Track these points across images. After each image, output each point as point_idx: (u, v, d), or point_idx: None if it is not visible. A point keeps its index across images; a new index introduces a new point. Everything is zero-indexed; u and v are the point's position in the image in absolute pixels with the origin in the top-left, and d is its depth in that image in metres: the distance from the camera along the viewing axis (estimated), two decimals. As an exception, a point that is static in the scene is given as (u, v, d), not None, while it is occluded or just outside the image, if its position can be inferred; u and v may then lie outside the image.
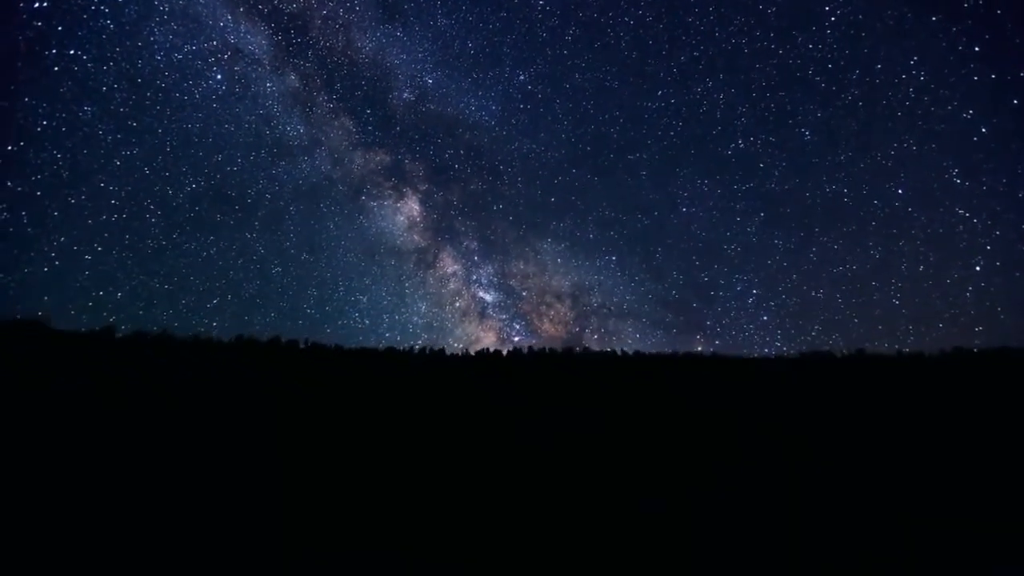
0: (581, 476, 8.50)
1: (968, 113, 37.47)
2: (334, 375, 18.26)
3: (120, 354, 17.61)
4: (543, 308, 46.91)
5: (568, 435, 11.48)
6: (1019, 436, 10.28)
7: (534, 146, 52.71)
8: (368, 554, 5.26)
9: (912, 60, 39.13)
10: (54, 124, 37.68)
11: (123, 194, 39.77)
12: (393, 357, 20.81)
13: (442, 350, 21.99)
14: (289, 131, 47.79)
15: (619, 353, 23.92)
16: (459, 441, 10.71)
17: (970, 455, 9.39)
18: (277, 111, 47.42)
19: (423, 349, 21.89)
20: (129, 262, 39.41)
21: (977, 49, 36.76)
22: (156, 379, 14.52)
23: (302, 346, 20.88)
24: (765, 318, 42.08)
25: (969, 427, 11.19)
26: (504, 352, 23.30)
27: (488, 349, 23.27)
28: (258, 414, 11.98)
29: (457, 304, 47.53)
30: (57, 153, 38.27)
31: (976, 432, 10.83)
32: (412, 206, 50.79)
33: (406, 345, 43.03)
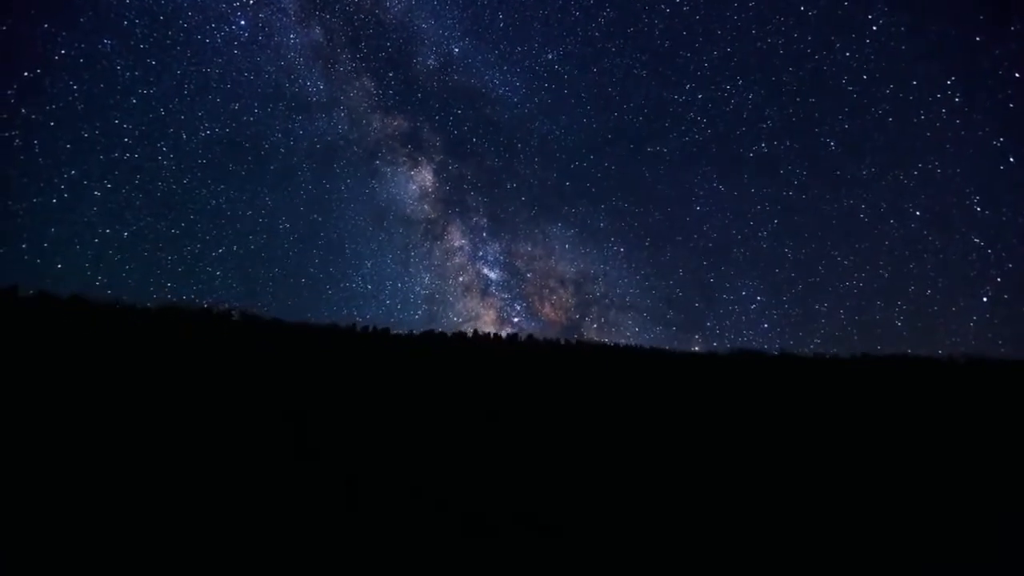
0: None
1: (999, 141, 36.27)
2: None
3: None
4: (546, 292, 46.27)
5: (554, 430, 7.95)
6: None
7: (554, 128, 51.83)
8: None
9: (949, 80, 37.96)
10: (72, 54, 37.24)
11: (137, 133, 39.99)
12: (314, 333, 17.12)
13: (386, 329, 18.27)
14: (309, 86, 47.42)
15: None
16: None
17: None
18: (299, 64, 47.04)
19: (367, 327, 18.17)
20: (138, 202, 39.74)
21: (1018, 75, 35.28)
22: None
23: (234, 317, 17.26)
24: (765, 325, 41.27)
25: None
26: (503, 334, 19.60)
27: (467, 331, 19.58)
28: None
29: (460, 279, 47.29)
30: (73, 84, 37.80)
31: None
32: (426, 176, 50.53)
33: (405, 315, 43.28)
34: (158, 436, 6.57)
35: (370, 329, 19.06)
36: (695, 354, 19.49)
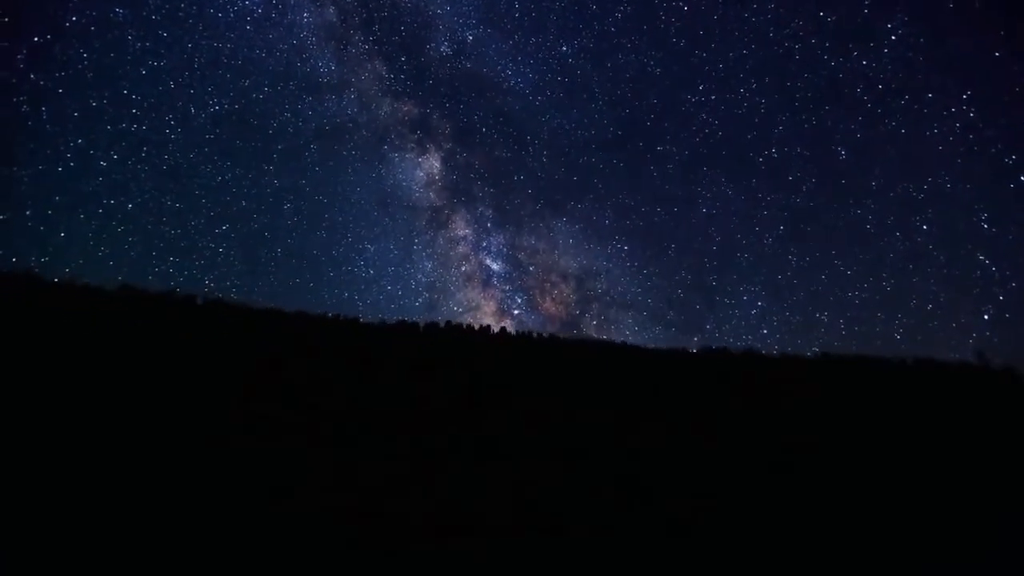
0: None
1: (1010, 159, 35.07)
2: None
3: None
4: (547, 286, 45.25)
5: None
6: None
7: (564, 122, 50.05)
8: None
9: (965, 95, 36.25)
10: (83, 21, 35.47)
11: (145, 105, 38.55)
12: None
13: (356, 319, 18.11)
14: (320, 67, 45.45)
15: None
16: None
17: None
18: (311, 44, 45.06)
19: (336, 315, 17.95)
20: (143, 175, 38.52)
21: (1035, 93, 33.48)
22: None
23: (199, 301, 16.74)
24: (765, 331, 40.78)
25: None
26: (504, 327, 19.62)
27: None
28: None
29: (463, 268, 45.96)
30: (84, 52, 36.02)
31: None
32: (433, 163, 48.56)
33: (406, 301, 41.71)
34: (103, 422, 6.39)
35: (340, 317, 18.82)
36: (661, 350, 19.95)
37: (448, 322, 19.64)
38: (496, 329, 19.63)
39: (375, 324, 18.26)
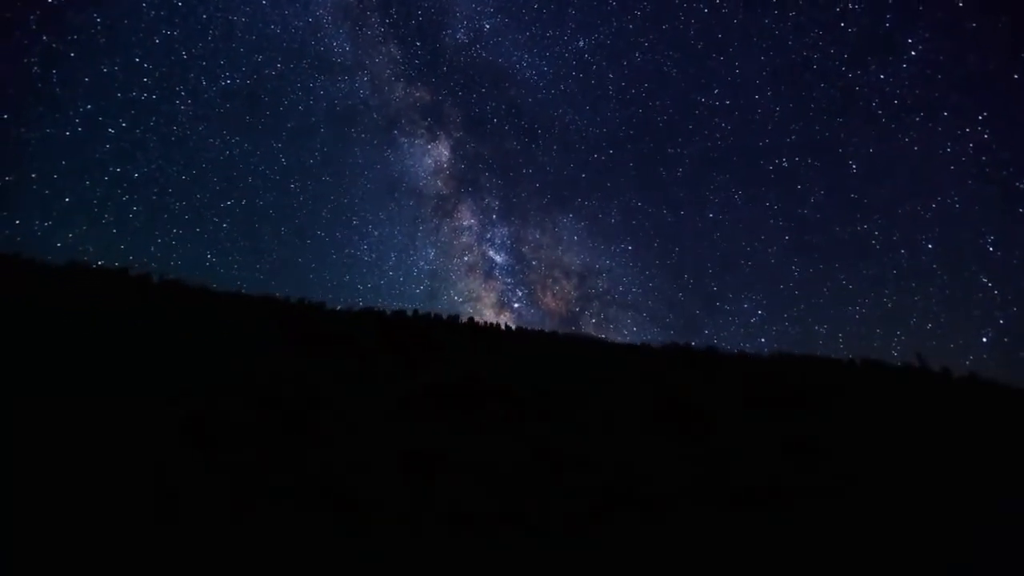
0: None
1: (1022, 183, 34.65)
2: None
3: None
4: (549, 281, 44.85)
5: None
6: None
7: (577, 117, 48.69)
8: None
9: (981, 116, 35.71)
10: None
11: (157, 74, 36.69)
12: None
13: (322, 303, 17.85)
14: (335, 47, 43.59)
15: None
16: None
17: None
18: (326, 22, 43.13)
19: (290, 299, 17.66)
20: (151, 144, 36.83)
21: (1052, 121, 31.92)
22: None
23: (155, 280, 16.11)
24: (762, 340, 40.54)
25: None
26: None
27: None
28: None
29: (466, 258, 45.31)
30: (97, 16, 33.86)
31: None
32: (442, 151, 47.35)
33: (407, 288, 40.42)
34: (40, 403, 6.17)
35: (305, 302, 18.48)
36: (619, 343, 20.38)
37: (416, 310, 19.53)
38: (496, 322, 19.70)
39: (340, 311, 18.01)
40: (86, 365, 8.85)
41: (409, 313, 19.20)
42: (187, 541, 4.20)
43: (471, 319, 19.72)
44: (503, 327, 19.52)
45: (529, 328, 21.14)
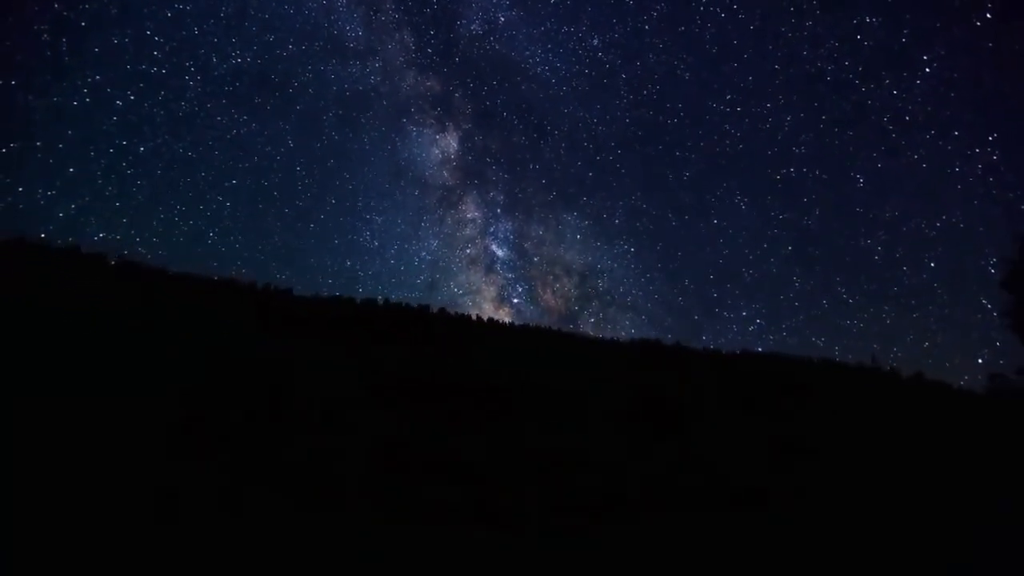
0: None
1: None
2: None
3: None
4: (549, 279, 44.59)
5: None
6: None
7: (586, 115, 47.84)
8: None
9: (992, 136, 35.21)
10: None
11: (167, 48, 35.35)
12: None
13: (289, 289, 17.45)
14: (348, 31, 42.18)
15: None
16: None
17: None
18: (340, 5, 41.75)
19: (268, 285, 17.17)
20: (158, 119, 35.14)
21: (1062, 146, 31.53)
22: None
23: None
24: (760, 350, 40.53)
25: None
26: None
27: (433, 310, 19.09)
28: None
29: (468, 251, 44.85)
30: None
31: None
32: (450, 142, 46.43)
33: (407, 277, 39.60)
34: None
35: (272, 287, 17.99)
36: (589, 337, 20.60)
37: (387, 299, 19.27)
38: (495, 316, 19.58)
39: (308, 297, 17.60)
40: (62, 361, 8.39)
41: (380, 302, 18.92)
42: (187, 541, 4.07)
43: (442, 310, 19.56)
44: (474, 318, 19.46)
45: (507, 322, 21.16)
